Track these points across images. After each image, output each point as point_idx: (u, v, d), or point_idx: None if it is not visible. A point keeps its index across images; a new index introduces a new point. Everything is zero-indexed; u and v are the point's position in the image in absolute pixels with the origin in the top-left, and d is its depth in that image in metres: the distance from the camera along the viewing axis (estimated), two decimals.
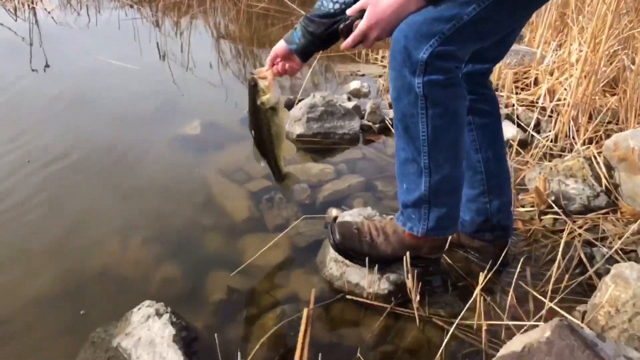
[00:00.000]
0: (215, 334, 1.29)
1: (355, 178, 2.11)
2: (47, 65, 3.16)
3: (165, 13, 4.45)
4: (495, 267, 1.50)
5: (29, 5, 4.04)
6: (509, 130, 2.41)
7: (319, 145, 2.38)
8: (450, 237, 1.54)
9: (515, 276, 1.43)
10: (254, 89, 1.45)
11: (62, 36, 3.63)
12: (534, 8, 1.43)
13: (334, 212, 1.85)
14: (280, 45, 1.49)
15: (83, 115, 2.58)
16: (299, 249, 1.72)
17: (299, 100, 2.55)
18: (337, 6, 1.41)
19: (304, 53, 1.46)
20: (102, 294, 1.51)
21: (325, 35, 1.42)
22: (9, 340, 1.35)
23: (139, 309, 1.35)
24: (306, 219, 1.83)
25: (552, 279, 1.44)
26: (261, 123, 1.50)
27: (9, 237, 1.71)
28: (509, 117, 2.52)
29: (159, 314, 1.32)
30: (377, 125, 2.51)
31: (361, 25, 1.28)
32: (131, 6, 4.46)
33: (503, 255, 1.60)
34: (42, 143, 2.27)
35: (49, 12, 3.98)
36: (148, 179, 2.07)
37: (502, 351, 1.17)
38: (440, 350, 1.31)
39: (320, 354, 1.23)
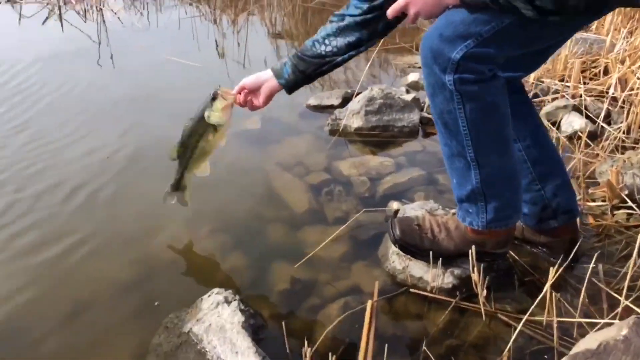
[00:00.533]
0: (283, 322, 1.31)
1: (415, 171, 2.09)
2: (113, 64, 3.30)
3: (222, 10, 4.55)
4: (566, 263, 1.46)
5: (97, 8, 4.23)
6: (577, 122, 2.32)
7: (377, 139, 2.38)
8: (515, 233, 1.50)
9: (588, 273, 1.38)
10: (210, 100, 1.53)
11: (127, 35, 3.78)
12: (582, 24, 1.39)
13: (394, 205, 1.84)
14: (251, 79, 1.56)
15: (148, 110, 2.68)
16: (360, 241, 1.73)
17: (357, 94, 2.55)
18: (328, 49, 1.47)
19: (291, 88, 1.54)
20: (172, 281, 1.57)
21: (314, 73, 1.50)
22: (90, 324, 1.42)
23: (209, 296, 1.40)
24: (367, 212, 1.83)
25: (628, 276, 1.37)
26: (195, 130, 1.57)
27: (82, 227, 1.80)
28: (576, 108, 2.42)
29: (227, 302, 1.36)
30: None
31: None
32: (190, 4, 4.59)
33: (574, 251, 1.54)
34: (110, 136, 2.38)
35: (115, 13, 4.16)
36: (211, 172, 2.12)
37: (575, 349, 1.14)
38: (508, 346, 1.28)
39: (386, 346, 1.23)
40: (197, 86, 3.01)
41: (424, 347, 1.32)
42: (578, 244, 1.57)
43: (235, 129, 2.47)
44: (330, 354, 1.23)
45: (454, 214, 1.53)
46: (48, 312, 1.45)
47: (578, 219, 1.60)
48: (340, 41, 1.46)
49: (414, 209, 1.69)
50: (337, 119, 2.45)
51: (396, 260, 1.56)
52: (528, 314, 1.32)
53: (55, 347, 1.35)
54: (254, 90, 1.57)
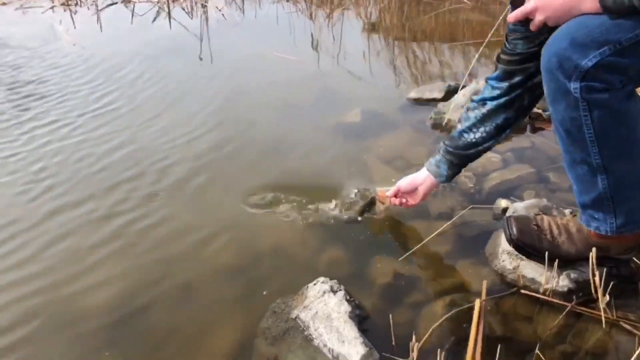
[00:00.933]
0: (390, 315, 1.31)
1: (524, 168, 2.00)
2: (214, 58, 3.45)
3: (318, 6, 4.60)
4: None
5: (202, 5, 4.43)
6: None
7: None
8: None
9: None
10: (368, 204, 1.81)
11: (229, 31, 3.93)
12: None
13: (503, 203, 1.77)
14: (407, 183, 1.67)
15: (247, 103, 2.77)
16: (466, 239, 1.68)
17: (463, 87, 2.48)
18: (478, 136, 1.52)
19: (450, 180, 1.64)
20: (277, 268, 1.61)
21: (469, 162, 1.60)
22: (198, 307, 1.49)
23: (315, 284, 1.42)
24: (473, 208, 1.77)
25: None
26: None
27: (185, 214, 1.90)
28: None
29: (333, 291, 1.38)
30: (547, 113, 2.34)
31: (527, 4, 1.23)
32: (287, 0, 4.68)
33: None
34: (209, 128, 2.48)
35: (219, 10, 4.33)
36: (311, 165, 2.16)
37: None
38: (633, 358, 1.19)
39: (498, 347, 1.18)
40: (295, 79, 3.10)
41: (536, 351, 1.26)
42: None
43: (335, 122, 2.50)
44: (437, 350, 1.21)
45: (573, 215, 1.45)
46: (158, 295, 1.54)
47: None
48: (488, 126, 1.51)
49: (525, 208, 1.61)
50: (440, 113, 2.40)
51: (506, 259, 1.50)
52: None
53: (165, 329, 1.42)
54: (412, 192, 1.68)
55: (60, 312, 1.49)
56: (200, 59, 3.46)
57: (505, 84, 1.45)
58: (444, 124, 2.36)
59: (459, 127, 1.55)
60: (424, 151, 2.20)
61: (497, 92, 1.47)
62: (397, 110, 2.59)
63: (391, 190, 1.71)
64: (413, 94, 2.69)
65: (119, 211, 1.91)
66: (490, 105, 1.48)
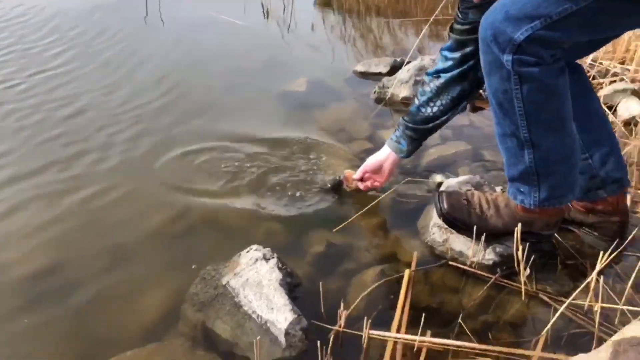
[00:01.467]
0: (320, 282, 1.31)
1: (461, 145, 2.04)
2: (161, 20, 3.32)
3: None
4: (618, 250, 1.40)
5: None
6: (635, 107, 2.22)
7: None
8: (564, 215, 1.45)
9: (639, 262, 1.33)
10: (335, 186, 1.78)
11: None
12: None
13: (438, 177, 1.81)
14: (372, 163, 1.67)
15: (194, 68, 2.69)
16: (400, 211, 1.71)
17: (407, 63, 2.49)
18: (435, 110, 1.54)
19: (413, 153, 1.65)
20: (211, 236, 1.58)
21: (428, 135, 1.61)
22: (128, 271, 1.46)
23: (248, 251, 1.41)
24: (409, 182, 1.80)
25: None
26: None
27: (123, 179, 1.84)
28: (635, 93, 2.31)
29: (266, 258, 1.37)
30: (486, 93, 2.39)
31: None
32: None
33: (622, 236, 1.49)
34: (152, 92, 2.40)
35: None
36: (253, 132, 2.12)
37: (619, 335, 1.10)
38: (547, 328, 1.26)
39: (423, 315, 1.22)
40: (242, 45, 3.02)
41: (459, 320, 1.30)
42: (628, 229, 1.51)
43: (280, 89, 2.47)
44: (365, 318, 1.23)
45: (503, 191, 1.49)
46: (88, 258, 1.49)
47: (628, 201, 1.54)
48: (444, 99, 1.52)
49: (458, 183, 1.65)
50: (384, 87, 2.41)
51: (437, 232, 1.53)
52: (572, 297, 1.28)
53: (93, 292, 1.39)
54: (378, 170, 1.68)
55: None
56: (146, 18, 3.32)
57: (457, 54, 1.46)
58: (387, 98, 2.38)
59: (416, 102, 1.56)
60: (366, 124, 2.21)
61: (450, 62, 1.48)
62: (343, 83, 2.58)
63: (357, 173, 1.70)
64: (359, 67, 2.69)
65: (51, 179, 1.82)
66: (444, 77, 1.50)
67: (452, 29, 1.48)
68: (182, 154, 1.96)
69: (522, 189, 1.38)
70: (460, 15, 1.43)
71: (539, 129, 1.26)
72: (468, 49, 1.44)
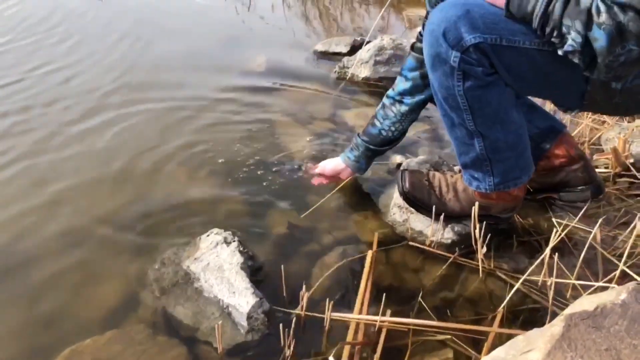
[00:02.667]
0: (282, 265, 1.31)
1: (420, 126, 2.05)
2: None
3: None
4: (570, 226, 1.46)
5: None
6: None
7: (384, 90, 2.31)
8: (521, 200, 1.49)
9: (590, 237, 1.37)
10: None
11: None
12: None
13: (397, 158, 1.82)
14: (331, 168, 1.65)
15: (149, 47, 2.61)
16: (361, 192, 1.72)
17: (367, 42, 2.48)
18: (397, 133, 1.56)
19: (369, 167, 1.67)
20: (170, 219, 1.55)
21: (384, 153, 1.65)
22: (86, 257, 1.42)
23: (208, 235, 1.39)
24: None
25: (629, 243, 1.38)
26: None
27: (81, 165, 1.78)
28: None
29: (227, 242, 1.35)
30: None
31: None
32: None
33: (594, 179, 1.55)
34: (105, 74, 2.32)
35: None
36: (212, 114, 2.08)
37: (570, 309, 1.14)
38: (503, 303, 1.29)
39: (384, 295, 1.23)
40: (201, 23, 2.94)
41: (419, 299, 1.33)
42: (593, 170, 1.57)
43: (239, 70, 2.42)
44: (327, 299, 1.23)
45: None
46: (42, 242, 1.45)
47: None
48: (406, 123, 1.56)
49: (417, 163, 1.67)
50: (344, 67, 2.39)
51: (397, 212, 1.55)
52: (527, 273, 1.32)
53: (48, 276, 1.35)
54: (336, 177, 1.68)
55: None
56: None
57: (417, 73, 1.48)
58: (347, 78, 2.37)
59: (377, 124, 1.56)
60: (327, 105, 2.20)
61: (410, 83, 1.49)
62: (303, 62, 2.55)
63: (317, 170, 1.69)
64: (320, 47, 2.66)
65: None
66: (407, 104, 1.52)
67: (412, 48, 1.50)
68: (138, 136, 1.91)
69: (476, 175, 1.41)
70: (422, 35, 1.41)
71: (484, 122, 1.28)
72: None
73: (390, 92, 1.56)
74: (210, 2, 3.26)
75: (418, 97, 1.50)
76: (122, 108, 2.09)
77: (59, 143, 1.87)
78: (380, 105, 1.58)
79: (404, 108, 1.52)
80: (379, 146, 1.58)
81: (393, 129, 1.55)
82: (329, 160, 1.68)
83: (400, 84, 1.52)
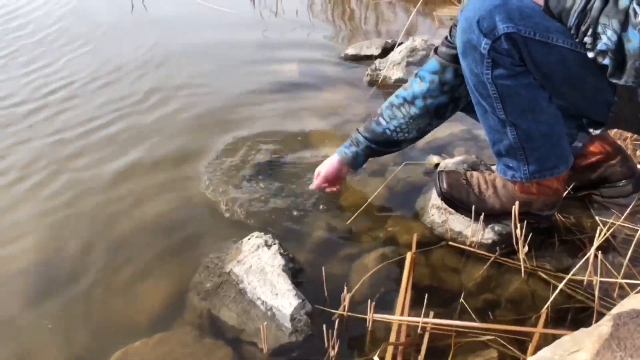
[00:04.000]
0: (323, 267, 1.32)
1: (456, 126, 2.04)
2: (145, 9, 3.27)
3: None
4: (615, 225, 1.43)
5: None
6: None
7: None
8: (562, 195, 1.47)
9: (638, 235, 1.34)
10: None
11: None
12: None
13: (434, 159, 1.82)
14: (333, 172, 1.61)
15: (182, 56, 2.67)
16: (399, 194, 1.72)
17: (399, 44, 2.48)
18: (401, 136, 1.53)
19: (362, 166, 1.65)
20: (211, 223, 1.58)
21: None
22: (130, 260, 1.46)
23: (249, 239, 1.41)
24: (407, 164, 1.81)
25: None
26: None
27: (122, 168, 1.84)
28: None
29: (267, 245, 1.38)
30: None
31: None
32: None
33: (633, 172, 1.51)
34: (139, 84, 2.39)
35: None
36: (246, 120, 2.12)
37: (618, 308, 1.12)
38: (547, 304, 1.28)
39: (426, 296, 1.23)
40: (232, 32, 3.00)
41: (461, 300, 1.32)
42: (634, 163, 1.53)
43: (271, 76, 2.45)
44: (369, 300, 1.24)
45: None
46: (88, 248, 1.50)
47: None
48: (413, 131, 1.52)
49: (455, 164, 1.66)
50: (376, 70, 2.40)
51: (435, 213, 1.55)
52: (572, 273, 1.30)
53: (94, 281, 1.39)
54: (337, 180, 1.65)
55: None
56: (132, 6, 3.28)
57: (436, 77, 1.44)
58: (380, 80, 2.37)
59: (383, 122, 1.51)
60: (360, 108, 2.20)
61: (426, 85, 1.46)
62: (334, 66, 2.57)
63: (319, 181, 1.64)
64: (350, 50, 2.68)
65: (50, 173, 1.82)
66: (419, 107, 1.47)
67: (436, 51, 1.47)
68: (176, 143, 1.95)
69: (510, 164, 1.39)
70: (450, 39, 1.42)
71: (515, 111, 1.28)
72: (447, 76, 1.43)
73: (401, 91, 1.51)
74: (239, 12, 3.31)
75: (430, 102, 1.46)
76: (156, 119, 2.14)
77: (100, 156, 1.93)
78: (387, 104, 1.53)
79: (414, 110, 1.48)
80: (381, 146, 1.55)
81: (399, 130, 1.51)
82: (322, 164, 1.64)
83: (415, 85, 1.48)
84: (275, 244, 1.39)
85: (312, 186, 1.67)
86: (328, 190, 1.66)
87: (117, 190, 1.72)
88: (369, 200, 1.64)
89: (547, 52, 1.17)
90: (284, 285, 1.27)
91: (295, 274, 1.37)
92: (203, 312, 1.28)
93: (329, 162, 1.62)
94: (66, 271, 1.42)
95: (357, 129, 1.58)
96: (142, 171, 1.82)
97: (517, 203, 1.38)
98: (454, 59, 1.38)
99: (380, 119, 1.53)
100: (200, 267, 1.39)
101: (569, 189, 1.56)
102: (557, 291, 1.29)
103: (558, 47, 1.16)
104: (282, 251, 1.37)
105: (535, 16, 1.16)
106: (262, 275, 1.30)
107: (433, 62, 1.46)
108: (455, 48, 1.35)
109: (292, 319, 1.21)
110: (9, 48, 2.70)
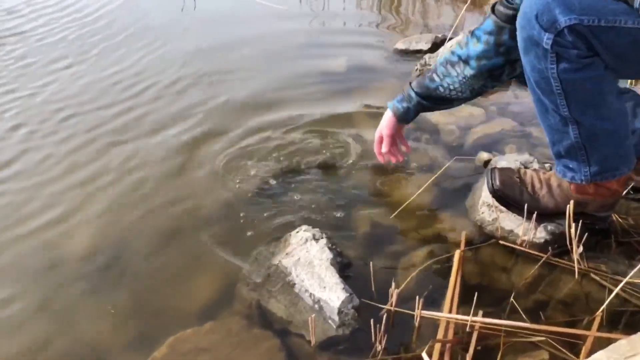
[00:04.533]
0: (371, 262, 1.33)
1: (507, 122, 2.00)
2: (195, 7, 3.34)
3: None
4: None
5: None
6: None
7: None
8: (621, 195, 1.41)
9: None
10: None
11: None
12: None
13: (484, 156, 1.78)
14: (392, 128, 1.63)
15: (231, 50, 2.72)
16: (448, 190, 1.70)
17: (449, 39, 2.45)
18: (454, 94, 1.51)
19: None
20: (260, 217, 1.61)
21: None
22: (179, 252, 1.50)
23: (297, 232, 1.43)
24: (456, 160, 1.78)
25: None
26: None
27: (172, 161, 1.89)
28: None
29: (315, 239, 1.39)
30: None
31: None
32: None
33: None
34: (189, 77, 2.44)
35: None
36: (295, 114, 2.13)
37: None
38: (602, 307, 1.24)
39: (475, 294, 1.21)
40: (281, 27, 3.02)
41: (511, 299, 1.30)
42: None
43: (319, 70, 2.47)
44: (416, 297, 1.24)
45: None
46: (138, 240, 1.54)
47: None
48: (466, 90, 1.50)
49: (507, 161, 1.63)
50: (426, 65, 2.37)
51: (486, 211, 1.52)
52: (630, 276, 1.26)
53: (145, 273, 1.44)
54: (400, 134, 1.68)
55: (40, 259, 1.48)
56: (183, 2, 3.36)
57: (492, 38, 1.40)
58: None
59: (437, 79, 1.51)
60: None
61: (481, 47, 1.42)
62: (384, 61, 2.56)
63: (387, 144, 1.66)
64: (400, 45, 2.66)
65: (101, 165, 1.88)
66: (474, 68, 1.45)
67: (493, 10, 1.41)
68: (226, 137, 1.99)
69: (570, 165, 1.35)
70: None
71: (579, 107, 1.23)
72: (504, 37, 1.39)
73: (456, 48, 1.49)
74: (287, 7, 3.33)
75: (484, 63, 1.43)
76: (206, 110, 2.19)
77: (146, 145, 1.98)
78: (441, 60, 1.51)
79: (468, 71, 1.46)
80: (433, 103, 1.55)
81: (452, 88, 1.49)
82: (379, 127, 1.67)
83: (471, 45, 1.44)
84: (323, 237, 1.40)
85: (384, 148, 1.66)
86: (394, 161, 1.70)
87: (168, 184, 1.77)
88: (414, 196, 1.63)
89: (617, 36, 1.13)
90: (332, 278, 1.28)
91: (343, 268, 1.38)
92: (252, 302, 1.31)
93: (386, 120, 1.63)
94: (119, 261, 1.47)
95: (410, 84, 1.58)
96: (192, 165, 1.86)
97: (571, 202, 1.34)
98: (512, 19, 1.32)
99: (434, 76, 1.52)
100: (249, 259, 1.42)
101: (628, 188, 1.51)
102: (613, 294, 1.25)
103: (628, 29, 1.11)
104: (330, 245, 1.38)
105: (598, 2, 1.11)
106: (310, 268, 1.32)
107: (489, 22, 1.42)
108: (513, 8, 1.32)
109: (340, 312, 1.22)
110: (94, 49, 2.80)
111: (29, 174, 1.82)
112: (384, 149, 1.67)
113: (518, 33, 1.23)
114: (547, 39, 1.15)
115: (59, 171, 1.82)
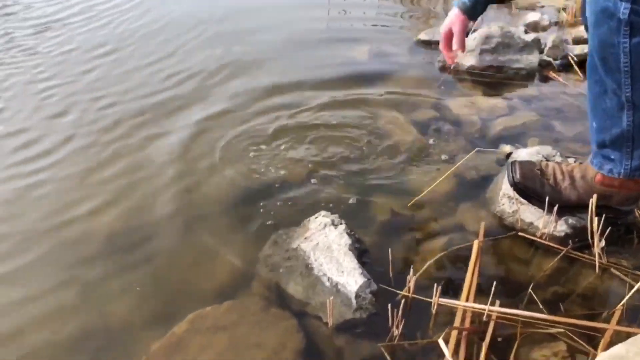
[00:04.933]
0: (390, 249, 1.33)
1: (530, 116, 1.99)
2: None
3: None
4: None
5: None
6: None
7: (490, 79, 2.27)
8: None
9: None
10: None
11: None
12: None
13: (507, 148, 1.77)
14: (460, 23, 1.51)
15: (254, 37, 2.72)
16: (468, 181, 1.69)
17: (473, 31, 2.42)
18: None
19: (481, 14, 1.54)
20: (279, 202, 1.62)
21: None
22: (201, 235, 1.51)
23: (316, 217, 1.44)
24: (479, 151, 1.77)
25: None
26: None
27: (191, 146, 1.91)
28: None
29: (334, 224, 1.40)
30: (557, 62, 2.31)
31: None
32: None
33: None
34: (210, 64, 2.45)
35: None
36: (316, 101, 2.13)
37: None
38: (623, 301, 1.23)
39: (493, 284, 1.21)
40: (301, 14, 3.02)
41: (529, 291, 1.29)
42: None
43: (341, 60, 2.46)
44: (434, 285, 1.24)
45: (580, 163, 1.45)
46: (161, 223, 1.56)
47: None
48: None
49: (529, 154, 1.61)
50: None
51: (506, 203, 1.51)
52: None
53: (168, 255, 1.45)
54: (450, 37, 1.55)
55: (63, 237, 1.52)
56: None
57: None
58: (452, 67, 2.33)
59: None
60: (431, 93, 2.18)
61: None
62: (406, 51, 2.54)
63: (458, 40, 1.55)
64: (423, 36, 2.64)
65: (120, 147, 1.91)
66: None
67: None
68: (248, 123, 2.00)
69: (612, 156, 1.32)
70: None
71: None
72: None
73: None
74: None
75: None
76: (228, 97, 2.19)
77: (166, 130, 2.00)
78: None
79: None
80: None
81: None
82: (444, 25, 1.56)
83: None
84: (342, 223, 1.41)
85: (457, 45, 1.56)
86: (456, 60, 1.68)
87: (193, 164, 1.79)
88: (433, 185, 1.62)
89: None
90: (350, 263, 1.29)
91: (361, 254, 1.38)
92: (271, 284, 1.33)
93: (454, 17, 1.53)
94: (139, 241, 1.50)
95: None
96: (212, 150, 1.87)
97: (595, 195, 1.33)
98: None
99: None
100: (269, 242, 1.44)
101: None
102: (634, 289, 1.24)
103: None
104: (348, 231, 1.39)
105: None
106: (328, 252, 1.32)
107: None
108: None
109: (357, 296, 1.23)
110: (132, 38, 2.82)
111: (70, 162, 1.83)
112: (457, 45, 1.56)
113: (588, 7, 1.19)
114: (624, 9, 1.11)
115: (100, 160, 1.83)
